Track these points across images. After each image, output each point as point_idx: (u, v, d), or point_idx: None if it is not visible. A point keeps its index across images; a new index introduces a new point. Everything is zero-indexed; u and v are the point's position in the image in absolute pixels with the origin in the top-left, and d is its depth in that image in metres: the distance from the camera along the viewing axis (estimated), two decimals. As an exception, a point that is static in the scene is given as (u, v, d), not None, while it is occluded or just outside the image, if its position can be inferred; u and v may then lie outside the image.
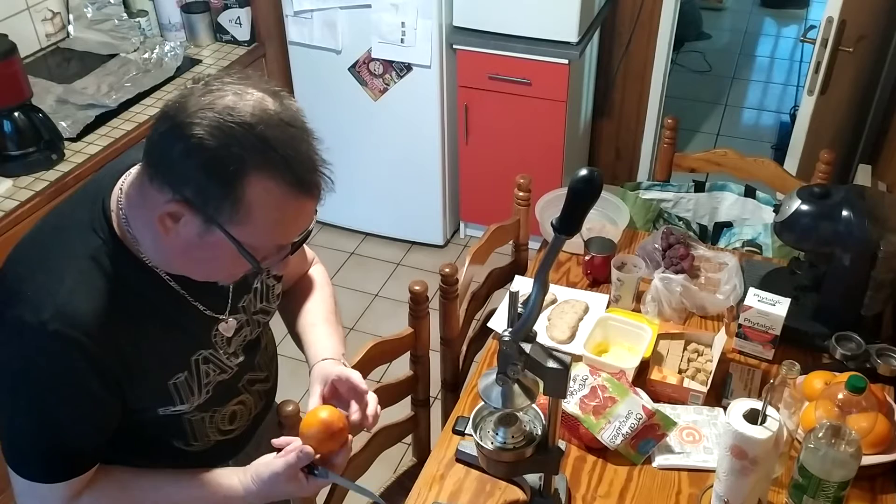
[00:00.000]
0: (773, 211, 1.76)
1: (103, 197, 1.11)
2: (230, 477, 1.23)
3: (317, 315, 1.44)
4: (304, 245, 1.36)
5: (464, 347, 1.94)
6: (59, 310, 1.04)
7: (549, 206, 2.05)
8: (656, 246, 1.94)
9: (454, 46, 3.07)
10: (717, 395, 1.63)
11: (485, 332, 1.96)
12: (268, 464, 1.21)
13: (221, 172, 0.96)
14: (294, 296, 1.48)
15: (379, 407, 1.31)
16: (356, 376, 1.30)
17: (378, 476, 1.85)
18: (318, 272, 1.53)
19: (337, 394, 1.30)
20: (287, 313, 1.48)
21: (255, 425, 1.44)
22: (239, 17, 2.97)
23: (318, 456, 1.20)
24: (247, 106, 0.97)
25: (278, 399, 1.46)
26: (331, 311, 1.47)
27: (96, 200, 1.11)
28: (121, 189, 1.11)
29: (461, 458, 1.53)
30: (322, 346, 1.38)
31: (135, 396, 1.16)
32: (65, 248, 1.08)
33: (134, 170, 1.11)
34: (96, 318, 1.06)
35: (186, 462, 1.32)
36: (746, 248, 2.16)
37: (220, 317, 1.24)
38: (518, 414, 1.36)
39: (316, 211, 1.08)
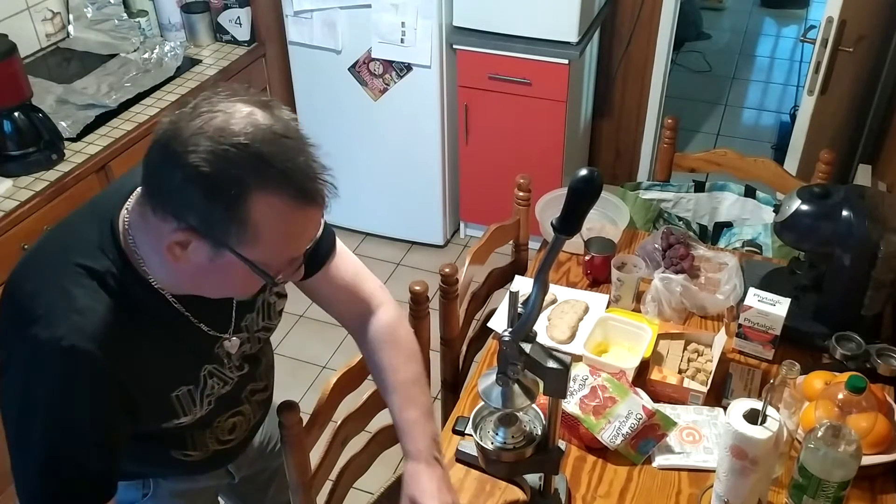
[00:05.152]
0: (773, 211, 1.76)
1: (111, 217, 1.09)
2: None
3: (405, 397, 1.35)
4: (359, 280, 1.37)
5: (464, 347, 1.94)
6: (73, 325, 1.03)
7: (549, 206, 2.05)
8: (656, 246, 1.94)
9: (454, 46, 3.07)
10: (717, 395, 1.63)
11: (485, 332, 1.96)
12: None
13: (223, 196, 0.95)
14: (380, 358, 1.39)
15: None
16: None
17: (378, 476, 1.85)
18: (402, 332, 1.41)
19: None
20: (374, 374, 1.41)
21: (253, 433, 1.45)
22: (239, 17, 2.97)
23: None
24: (239, 124, 0.95)
25: (279, 398, 1.46)
26: (419, 390, 1.36)
27: (104, 220, 1.09)
28: (127, 210, 1.09)
29: (461, 458, 1.53)
30: (412, 442, 1.32)
31: (143, 412, 1.14)
32: (74, 267, 1.06)
33: (138, 191, 1.09)
34: (109, 334, 1.05)
35: (183, 469, 1.32)
36: (746, 248, 2.16)
37: (223, 336, 1.24)
38: (518, 414, 1.36)
39: (322, 216, 1.07)
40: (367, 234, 3.57)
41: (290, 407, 1.40)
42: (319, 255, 1.31)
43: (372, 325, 1.39)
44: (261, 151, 0.95)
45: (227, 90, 1.00)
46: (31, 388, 1.04)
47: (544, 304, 1.57)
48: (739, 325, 1.71)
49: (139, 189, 1.08)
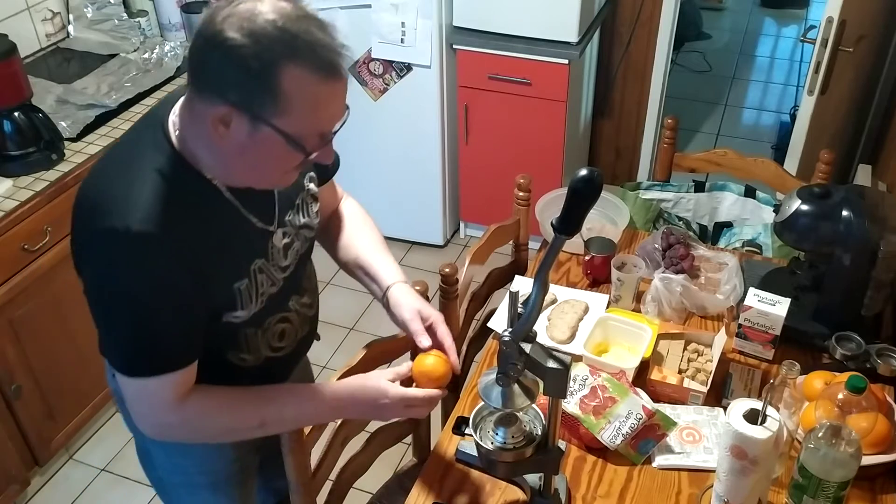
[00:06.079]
0: (773, 211, 1.76)
1: (162, 122, 1.22)
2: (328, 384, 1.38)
3: (376, 243, 1.57)
4: (334, 180, 1.57)
5: (464, 347, 1.94)
6: (142, 213, 1.14)
7: (549, 206, 2.05)
8: (656, 246, 1.94)
9: (454, 46, 3.07)
10: (717, 395, 1.63)
11: (485, 332, 1.96)
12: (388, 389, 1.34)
13: (257, 67, 1.07)
14: (339, 227, 1.58)
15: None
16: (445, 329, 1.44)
17: (378, 476, 1.85)
18: (354, 206, 1.63)
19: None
20: (336, 244, 1.58)
21: (301, 349, 1.53)
22: (239, 17, 2.96)
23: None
24: (265, 7, 1.09)
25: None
26: (382, 240, 1.59)
27: (156, 126, 1.22)
28: (174, 112, 1.22)
29: (461, 458, 1.53)
30: (393, 269, 1.51)
31: (208, 294, 1.24)
32: (137, 165, 1.19)
33: (183, 99, 1.23)
34: (173, 218, 1.16)
35: (241, 378, 1.38)
36: (746, 248, 2.16)
37: (270, 228, 1.33)
38: (518, 414, 1.36)
39: (345, 93, 1.18)
40: (367, 234, 3.57)
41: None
42: (332, 169, 1.53)
43: (342, 204, 1.62)
44: (287, 27, 1.09)
45: None
46: (110, 271, 1.16)
47: (544, 304, 1.57)
48: (739, 325, 1.71)
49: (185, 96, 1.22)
